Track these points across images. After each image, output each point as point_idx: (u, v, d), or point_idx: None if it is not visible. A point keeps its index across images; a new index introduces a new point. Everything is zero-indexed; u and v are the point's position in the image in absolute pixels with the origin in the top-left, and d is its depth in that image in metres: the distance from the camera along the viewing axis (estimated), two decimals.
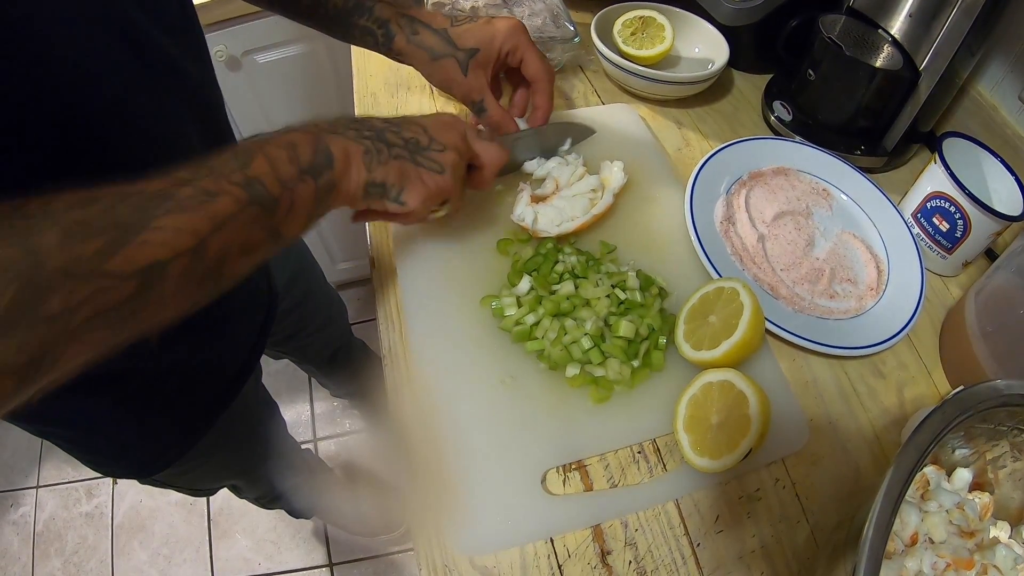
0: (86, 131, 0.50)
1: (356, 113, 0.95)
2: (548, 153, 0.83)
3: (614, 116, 0.94)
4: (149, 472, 0.85)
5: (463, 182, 0.68)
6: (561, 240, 0.76)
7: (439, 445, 0.64)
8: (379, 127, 0.61)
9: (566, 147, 0.83)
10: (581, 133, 0.87)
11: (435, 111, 0.92)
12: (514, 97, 0.84)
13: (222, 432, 0.87)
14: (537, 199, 0.78)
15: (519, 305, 0.70)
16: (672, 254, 0.78)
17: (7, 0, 0.41)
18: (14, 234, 0.35)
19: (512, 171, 0.83)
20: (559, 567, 0.58)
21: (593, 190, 0.79)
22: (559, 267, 0.72)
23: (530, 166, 0.82)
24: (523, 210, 0.76)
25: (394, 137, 0.61)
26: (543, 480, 0.62)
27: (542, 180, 0.80)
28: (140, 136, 0.56)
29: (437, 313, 0.72)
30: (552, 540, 0.59)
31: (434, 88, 0.95)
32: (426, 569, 0.58)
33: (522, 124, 0.82)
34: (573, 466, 0.63)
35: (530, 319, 0.69)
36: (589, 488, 0.62)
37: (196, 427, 0.84)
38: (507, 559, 0.58)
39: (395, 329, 0.73)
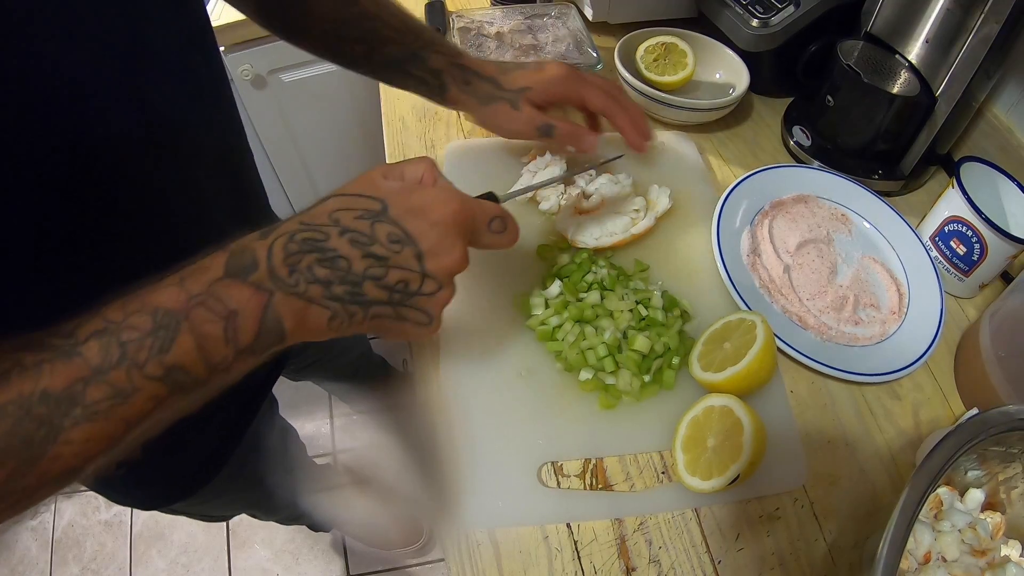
0: (92, 159, 0.46)
1: (385, 140, 0.95)
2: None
3: (676, 145, 0.96)
4: (160, 505, 0.84)
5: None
6: (597, 252, 0.79)
7: (454, 424, 0.67)
8: (357, 273, 0.47)
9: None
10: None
11: (462, 138, 0.92)
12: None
13: (236, 467, 0.86)
14: (582, 211, 0.80)
15: (547, 307, 0.73)
16: (703, 282, 0.80)
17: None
18: None
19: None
20: None
21: (636, 210, 0.81)
22: (589, 277, 0.75)
23: (580, 181, 0.83)
24: (566, 219, 0.79)
25: (374, 290, 0.48)
26: (540, 470, 0.65)
27: (591, 194, 0.82)
28: (153, 166, 0.52)
29: (470, 302, 0.74)
30: (580, 558, 0.60)
31: (461, 114, 0.97)
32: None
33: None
34: (578, 464, 0.66)
35: (554, 321, 0.72)
36: (583, 485, 0.65)
37: (208, 465, 0.83)
38: (532, 564, 0.60)
39: None
